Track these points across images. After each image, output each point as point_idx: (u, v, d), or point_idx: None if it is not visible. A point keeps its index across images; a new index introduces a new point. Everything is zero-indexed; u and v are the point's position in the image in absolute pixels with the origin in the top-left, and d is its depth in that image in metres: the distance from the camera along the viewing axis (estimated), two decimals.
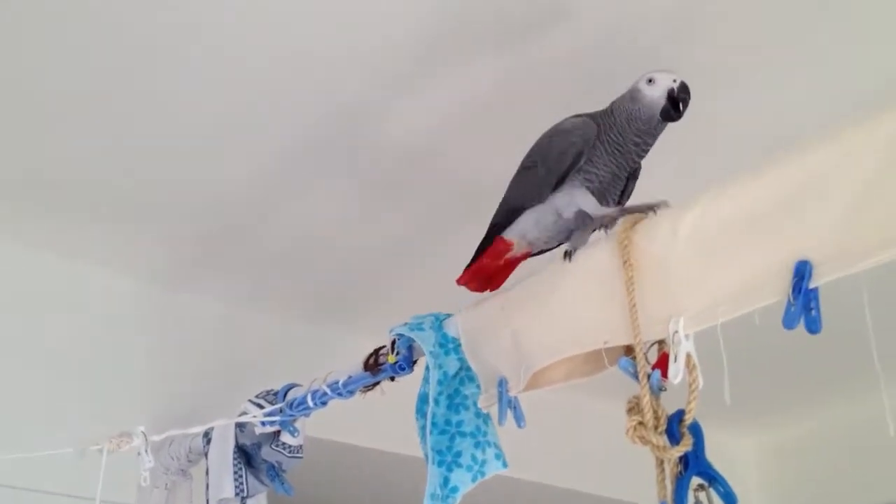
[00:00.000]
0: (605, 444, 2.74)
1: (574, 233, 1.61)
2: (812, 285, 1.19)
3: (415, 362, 1.74)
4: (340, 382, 1.84)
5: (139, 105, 1.98)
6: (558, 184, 1.60)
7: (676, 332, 1.32)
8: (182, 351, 2.58)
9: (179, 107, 1.99)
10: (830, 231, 1.18)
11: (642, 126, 1.55)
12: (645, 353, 1.37)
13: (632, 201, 1.62)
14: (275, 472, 2.05)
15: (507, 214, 1.71)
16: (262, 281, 2.64)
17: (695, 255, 1.34)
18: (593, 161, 1.59)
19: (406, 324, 1.70)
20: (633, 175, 1.64)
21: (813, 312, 1.19)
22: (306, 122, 2.04)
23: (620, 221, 1.45)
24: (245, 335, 2.72)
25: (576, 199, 1.60)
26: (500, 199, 1.74)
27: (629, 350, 1.39)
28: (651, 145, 1.59)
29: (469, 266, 1.75)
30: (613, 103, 1.60)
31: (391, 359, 1.72)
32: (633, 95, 1.56)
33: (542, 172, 1.63)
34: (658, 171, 1.71)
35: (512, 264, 1.74)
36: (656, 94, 1.53)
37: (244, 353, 2.68)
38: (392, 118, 2.05)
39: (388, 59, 1.88)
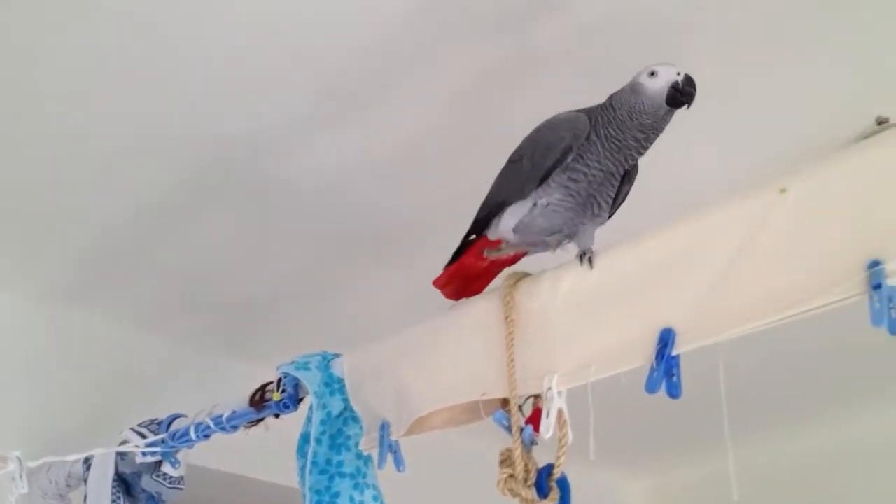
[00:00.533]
0: (484, 486, 2.76)
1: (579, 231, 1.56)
2: (675, 352, 1.25)
3: (300, 400, 1.75)
4: (224, 416, 1.83)
5: (29, 133, 1.97)
6: (542, 180, 1.53)
7: (550, 388, 1.36)
8: (66, 372, 2.52)
9: (70, 136, 1.97)
10: (696, 302, 1.25)
11: (646, 119, 1.48)
12: (520, 407, 1.42)
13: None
14: (154, 502, 2.02)
15: (489, 210, 1.63)
16: (153, 305, 2.60)
17: (571, 316, 1.39)
18: (584, 158, 1.51)
19: (293, 362, 1.71)
20: (628, 177, 1.57)
21: (674, 378, 1.25)
22: (200, 151, 2.04)
23: (505, 281, 1.49)
24: (133, 359, 2.67)
25: (555, 202, 1.54)
26: (401, 240, 1.76)
27: (505, 403, 1.42)
28: (653, 140, 1.51)
29: (448, 266, 1.68)
30: (613, 97, 1.53)
31: (276, 396, 1.72)
32: (634, 88, 1.49)
33: (526, 166, 1.56)
34: None
35: (499, 266, 1.66)
36: (659, 86, 1.47)
37: (132, 377, 2.63)
38: (295, 153, 2.06)
39: (288, 93, 1.90)
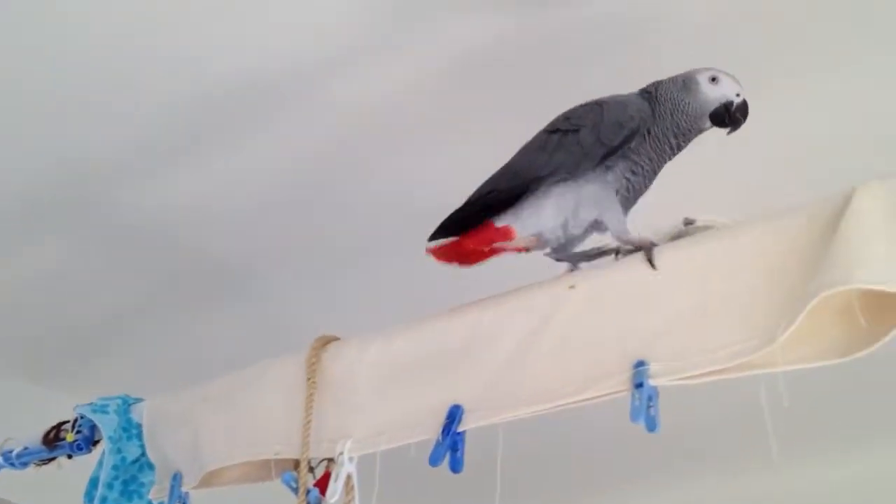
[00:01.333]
0: None
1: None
2: (460, 429, 1.30)
3: (96, 442, 1.71)
4: (14, 452, 1.77)
5: None
6: (603, 159, 1.34)
7: (342, 453, 1.39)
8: None
9: None
10: (485, 383, 1.31)
11: (683, 122, 1.35)
12: (313, 469, 1.44)
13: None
14: None
15: (511, 187, 1.37)
16: None
17: (372, 384, 1.43)
18: (638, 151, 1.36)
19: (91, 404, 1.67)
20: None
21: (458, 453, 1.30)
22: (30, 176, 1.99)
23: (313, 343, 1.50)
24: None
25: (606, 205, 1.34)
26: (237, 284, 1.73)
27: (297, 464, 1.44)
28: (681, 149, 1.38)
29: (442, 245, 1.44)
30: (659, 85, 1.39)
31: (70, 437, 1.68)
32: (686, 84, 1.36)
33: (587, 139, 1.35)
34: None
35: (499, 252, 1.43)
36: (714, 95, 1.35)
37: None
38: (129, 188, 2.04)
39: (125, 124, 1.89)
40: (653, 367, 1.16)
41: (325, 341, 1.51)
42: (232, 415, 1.54)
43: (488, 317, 1.35)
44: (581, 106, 1.40)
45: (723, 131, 1.38)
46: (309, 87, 1.82)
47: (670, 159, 1.38)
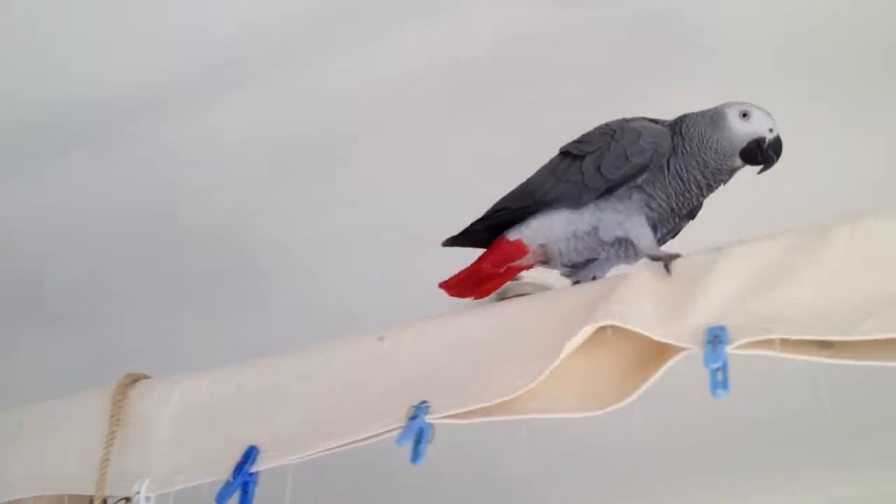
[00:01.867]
0: None
1: (596, 262, 1.37)
2: (254, 469, 1.32)
3: None
4: None
5: None
6: (605, 193, 1.31)
7: (138, 492, 1.38)
8: None
9: None
10: (280, 426, 1.34)
11: (712, 161, 1.28)
12: None
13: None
14: None
15: (522, 207, 1.37)
16: None
17: (175, 424, 1.44)
18: (654, 184, 1.30)
19: None
20: (690, 213, 1.36)
21: (248, 494, 1.31)
22: None
23: (121, 379, 1.50)
24: None
25: (631, 223, 1.29)
26: (67, 308, 1.69)
27: (91, 502, 1.42)
28: (714, 188, 1.31)
29: (456, 278, 1.42)
30: (685, 119, 1.32)
31: None
32: (715, 120, 1.29)
33: (589, 169, 1.31)
34: None
35: (512, 273, 1.42)
36: (744, 131, 1.28)
37: None
38: None
39: None
40: (431, 406, 1.21)
41: (134, 378, 1.51)
42: (37, 445, 1.52)
43: (292, 364, 1.39)
44: (599, 128, 1.36)
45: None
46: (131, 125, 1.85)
47: (698, 199, 1.32)
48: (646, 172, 1.28)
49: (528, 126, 1.84)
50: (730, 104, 1.30)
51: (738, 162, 1.30)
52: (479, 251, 1.44)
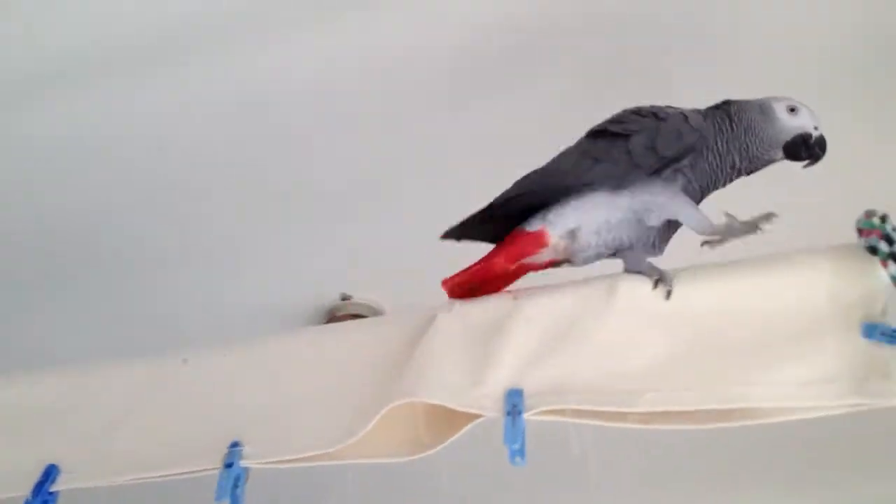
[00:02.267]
0: None
1: (629, 252, 1.27)
2: (53, 489, 1.30)
3: None
4: None
5: None
6: (655, 173, 1.25)
7: None
8: None
9: None
10: (83, 447, 1.33)
11: (755, 147, 1.28)
12: None
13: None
14: None
15: (545, 191, 1.27)
16: None
17: None
18: (693, 167, 1.28)
19: None
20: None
21: None
22: None
23: None
24: None
25: (678, 205, 1.24)
26: None
27: None
28: (740, 175, 1.31)
29: (462, 275, 1.32)
30: (733, 105, 1.31)
31: None
32: (764, 110, 1.30)
33: (638, 146, 1.25)
34: None
35: (525, 271, 1.31)
36: (792, 125, 1.28)
37: None
38: None
39: None
40: (247, 449, 1.25)
41: None
42: None
43: (94, 380, 1.38)
44: (632, 111, 1.31)
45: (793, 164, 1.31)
46: None
47: (724, 185, 1.30)
48: (693, 153, 1.26)
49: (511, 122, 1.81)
50: (776, 98, 1.31)
51: (779, 155, 1.30)
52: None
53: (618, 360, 1.17)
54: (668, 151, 1.25)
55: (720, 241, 1.23)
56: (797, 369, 1.09)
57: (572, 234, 1.26)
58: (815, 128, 1.30)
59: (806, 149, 1.29)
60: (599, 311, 1.19)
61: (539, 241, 1.28)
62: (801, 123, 1.29)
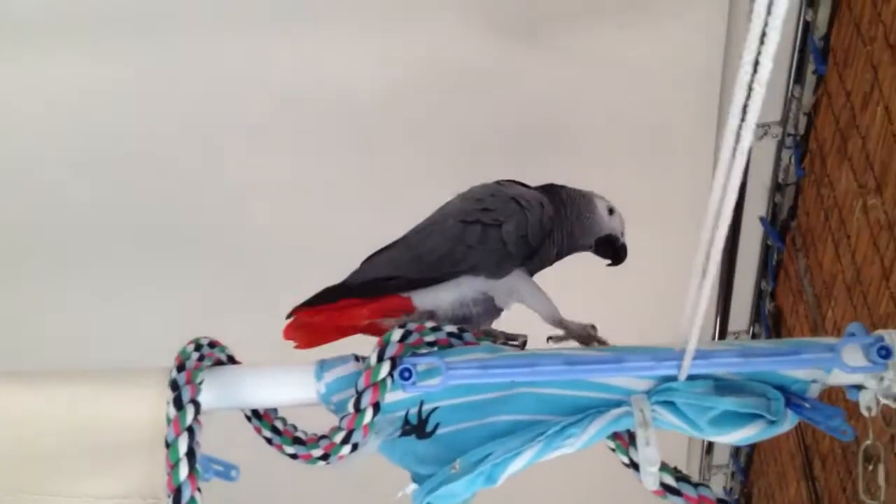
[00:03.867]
0: None
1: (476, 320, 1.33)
2: None
3: None
4: None
5: None
6: (525, 261, 1.33)
7: None
8: None
9: None
10: None
11: (577, 233, 1.37)
12: None
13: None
14: None
15: (421, 278, 1.32)
16: None
17: None
18: (539, 251, 1.34)
19: None
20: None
21: None
22: None
23: None
24: None
25: (526, 291, 1.31)
26: None
27: None
28: (559, 258, 1.38)
29: (302, 310, 1.34)
30: (563, 189, 1.39)
31: None
32: (589, 201, 1.39)
33: (511, 236, 1.31)
34: None
35: (373, 329, 1.32)
36: (607, 224, 1.38)
37: None
38: None
39: None
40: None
41: None
42: None
43: None
44: (491, 196, 1.35)
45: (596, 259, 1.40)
46: None
47: (549, 266, 1.37)
48: (547, 240, 1.33)
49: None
50: (598, 195, 1.41)
51: (590, 246, 1.40)
52: None
53: None
54: (536, 241, 1.32)
55: (564, 338, 1.29)
56: (99, 481, 1.10)
57: (434, 312, 1.32)
58: (622, 234, 1.40)
59: (613, 250, 1.39)
60: None
61: (405, 307, 1.32)
62: (614, 226, 1.39)
